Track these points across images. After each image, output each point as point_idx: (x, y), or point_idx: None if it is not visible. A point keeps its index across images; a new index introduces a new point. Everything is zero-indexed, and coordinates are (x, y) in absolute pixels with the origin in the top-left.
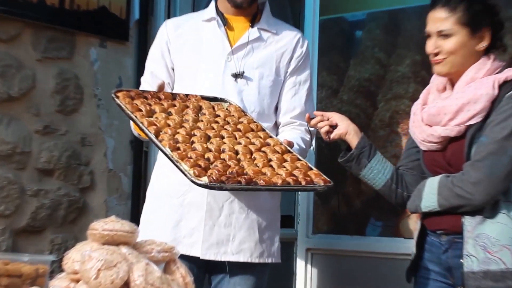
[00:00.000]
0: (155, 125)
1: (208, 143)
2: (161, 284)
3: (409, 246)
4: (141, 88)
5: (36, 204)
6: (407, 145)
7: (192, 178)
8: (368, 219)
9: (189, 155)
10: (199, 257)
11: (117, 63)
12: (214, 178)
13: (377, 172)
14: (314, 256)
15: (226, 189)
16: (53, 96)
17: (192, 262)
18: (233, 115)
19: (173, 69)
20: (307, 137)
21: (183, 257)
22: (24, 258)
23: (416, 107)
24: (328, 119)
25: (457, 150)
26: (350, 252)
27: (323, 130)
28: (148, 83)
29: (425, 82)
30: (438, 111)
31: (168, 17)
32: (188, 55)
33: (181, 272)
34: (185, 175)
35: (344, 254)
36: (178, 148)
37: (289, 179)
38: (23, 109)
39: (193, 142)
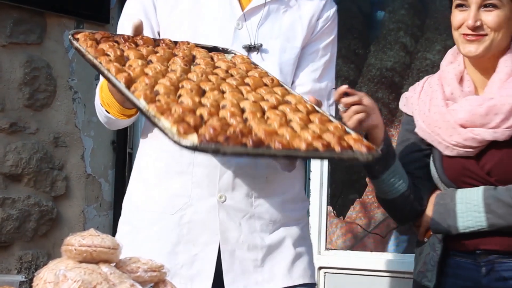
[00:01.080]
0: (126, 72)
1: (202, 98)
2: None
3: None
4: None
5: (1, 215)
6: (407, 148)
7: (175, 138)
8: (390, 233)
9: (172, 110)
10: None
11: None
12: (207, 138)
13: (399, 177)
14: (327, 276)
15: (224, 153)
16: (21, 88)
17: None
18: (239, 68)
19: (159, 34)
20: None
21: None
22: None
23: (435, 104)
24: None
25: (503, 157)
26: (368, 270)
27: (359, 116)
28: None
29: None
30: (488, 111)
31: None
32: (182, 19)
33: None
34: (165, 134)
35: (361, 273)
36: (158, 101)
37: (317, 144)
38: None
39: (180, 96)
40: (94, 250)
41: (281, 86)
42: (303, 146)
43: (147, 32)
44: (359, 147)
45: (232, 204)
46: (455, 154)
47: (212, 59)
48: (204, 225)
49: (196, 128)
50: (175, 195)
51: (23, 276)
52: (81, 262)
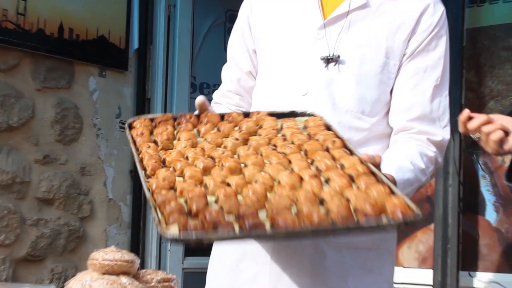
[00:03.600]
0: (158, 160)
1: (233, 176)
2: None
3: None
4: (223, 77)
5: (36, 233)
6: None
7: (158, 229)
8: None
9: (171, 203)
10: None
11: (116, 92)
12: (191, 227)
13: None
14: None
15: (209, 240)
16: (53, 125)
17: None
18: (305, 134)
19: (255, 52)
20: (432, 151)
21: None
22: (25, 287)
23: None
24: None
25: None
26: None
27: (495, 137)
28: (228, 72)
29: None
30: None
31: (167, 46)
32: (269, 31)
33: None
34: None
35: None
36: (161, 194)
37: (336, 215)
38: (22, 139)
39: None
40: (115, 263)
41: (344, 147)
42: (315, 219)
43: (244, 54)
44: (394, 211)
45: None
46: None
47: (280, 129)
48: (264, 242)
49: (196, 216)
50: None
51: (54, 286)
52: (104, 274)
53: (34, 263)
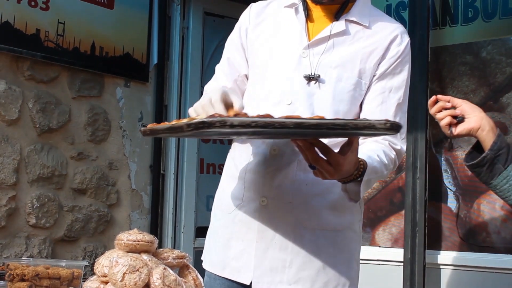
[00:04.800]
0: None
1: None
2: (176, 286)
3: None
4: (214, 77)
5: (71, 218)
6: None
7: (185, 121)
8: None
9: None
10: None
11: (138, 100)
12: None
13: None
14: None
15: (232, 125)
16: (85, 128)
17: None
18: None
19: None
20: (392, 153)
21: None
22: (62, 263)
23: None
24: (453, 108)
25: None
26: None
27: (443, 122)
28: (223, 72)
29: None
30: None
31: (182, 61)
32: (260, 48)
33: (193, 276)
34: (181, 126)
35: None
36: None
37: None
38: (60, 139)
39: None
40: (138, 243)
41: None
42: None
43: (241, 58)
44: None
45: (271, 208)
46: None
47: None
48: (249, 224)
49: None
50: (233, 197)
51: (87, 262)
52: (128, 252)
53: (70, 243)
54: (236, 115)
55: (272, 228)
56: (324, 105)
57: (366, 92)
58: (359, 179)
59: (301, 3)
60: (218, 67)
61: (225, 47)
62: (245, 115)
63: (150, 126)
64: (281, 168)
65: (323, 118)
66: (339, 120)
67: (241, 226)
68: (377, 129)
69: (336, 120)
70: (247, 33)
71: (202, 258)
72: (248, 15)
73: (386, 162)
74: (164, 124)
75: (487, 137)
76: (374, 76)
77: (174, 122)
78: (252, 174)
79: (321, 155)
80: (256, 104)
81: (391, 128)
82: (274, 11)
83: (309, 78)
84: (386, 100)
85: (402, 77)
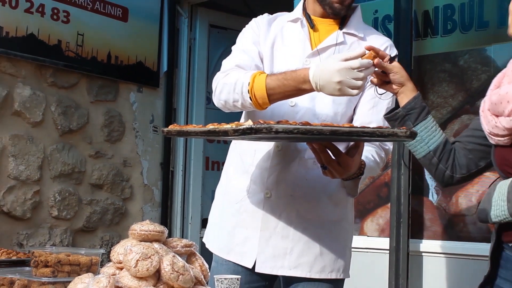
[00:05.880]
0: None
1: None
2: (184, 271)
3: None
4: (235, 66)
5: (89, 210)
6: (474, 124)
7: (233, 127)
8: None
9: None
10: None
11: (150, 104)
12: (261, 121)
13: (420, 140)
14: None
15: (276, 131)
16: (102, 129)
17: (245, 271)
18: None
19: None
20: (382, 153)
21: (238, 266)
22: (81, 251)
23: (488, 93)
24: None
25: None
26: None
27: (374, 81)
28: (241, 59)
29: None
30: (500, 99)
31: (189, 69)
32: (267, 56)
33: (199, 263)
34: (230, 131)
35: None
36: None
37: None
38: (79, 139)
39: None
40: (149, 233)
41: None
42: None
43: (257, 53)
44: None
45: (275, 200)
46: (494, 142)
47: None
48: (253, 214)
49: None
50: (239, 189)
51: (104, 250)
52: (141, 241)
53: (88, 233)
54: (278, 122)
55: (275, 218)
56: (324, 107)
57: (360, 97)
58: (358, 177)
59: (304, 18)
60: (232, 60)
61: (236, 45)
62: (287, 122)
63: (174, 127)
64: (284, 164)
65: (353, 126)
66: (367, 129)
67: (246, 216)
68: (399, 137)
69: (365, 129)
70: (260, 38)
71: (204, 240)
72: (261, 22)
73: (378, 161)
74: (200, 127)
75: (404, 98)
76: (368, 83)
77: (211, 126)
78: (257, 169)
79: (333, 157)
80: None
81: (410, 135)
82: (280, 25)
83: None
84: (377, 105)
85: None
